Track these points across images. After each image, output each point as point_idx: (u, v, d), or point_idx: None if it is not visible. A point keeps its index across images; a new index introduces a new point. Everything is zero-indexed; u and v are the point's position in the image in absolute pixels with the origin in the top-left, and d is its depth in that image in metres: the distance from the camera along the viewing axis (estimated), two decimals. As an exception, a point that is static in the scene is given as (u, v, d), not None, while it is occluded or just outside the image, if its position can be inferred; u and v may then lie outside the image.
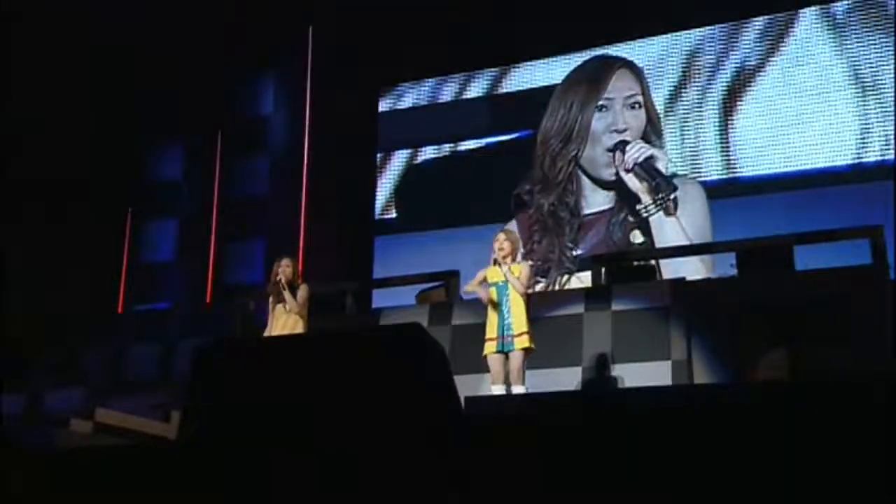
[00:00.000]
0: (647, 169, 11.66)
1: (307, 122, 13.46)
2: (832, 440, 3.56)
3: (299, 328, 7.99)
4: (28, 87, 12.61)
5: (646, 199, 11.60)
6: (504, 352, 7.15)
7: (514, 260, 7.33)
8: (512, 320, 7.15)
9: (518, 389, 7.03)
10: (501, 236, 7.36)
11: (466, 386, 7.81)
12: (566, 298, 8.92)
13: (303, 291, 8.11)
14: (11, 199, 12.27)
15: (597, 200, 12.06)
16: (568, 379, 8.33)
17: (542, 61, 13.07)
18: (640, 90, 12.07)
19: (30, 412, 10.60)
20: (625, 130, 11.91)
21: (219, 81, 13.85)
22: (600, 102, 12.20)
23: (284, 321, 7.99)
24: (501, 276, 7.23)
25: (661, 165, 11.74)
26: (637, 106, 12.04)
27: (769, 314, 8.05)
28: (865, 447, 3.46)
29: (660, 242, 11.31)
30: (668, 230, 11.42)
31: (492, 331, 7.22)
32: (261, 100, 13.95)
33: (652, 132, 11.95)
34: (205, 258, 13.62)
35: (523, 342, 7.12)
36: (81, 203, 13.15)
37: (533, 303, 8.83)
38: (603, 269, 9.19)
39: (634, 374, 8.18)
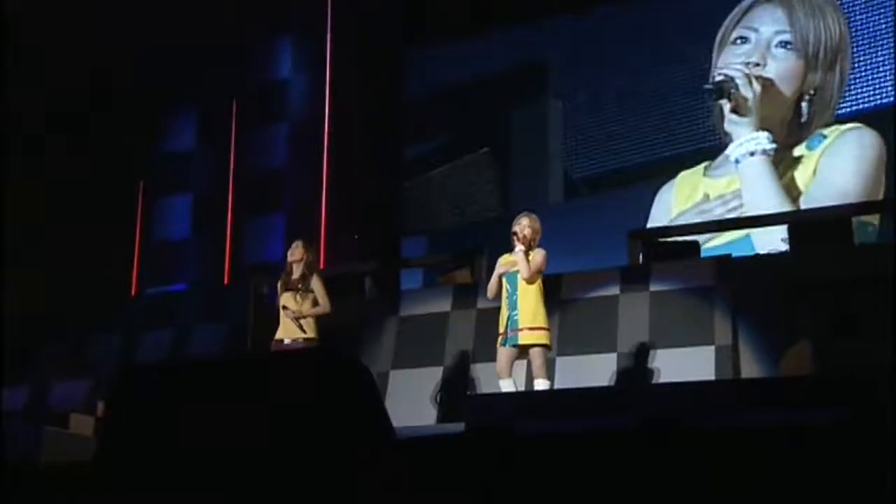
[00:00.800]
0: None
1: (328, 86, 13.50)
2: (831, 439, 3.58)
3: (306, 322, 8.05)
4: (30, 55, 12.77)
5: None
6: (508, 346, 7.15)
7: (532, 247, 7.33)
8: (518, 314, 7.16)
9: (541, 385, 7.06)
10: (524, 221, 7.37)
11: (491, 375, 7.86)
12: (600, 279, 8.94)
13: (318, 286, 8.17)
14: (14, 174, 12.46)
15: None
16: (602, 366, 8.38)
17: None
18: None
19: (33, 406, 10.82)
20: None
21: (233, 43, 13.92)
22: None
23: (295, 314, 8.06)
24: (513, 264, 7.24)
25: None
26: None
27: (824, 294, 7.99)
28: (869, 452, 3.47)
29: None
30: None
31: (501, 324, 7.28)
32: (278, 63, 14.02)
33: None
34: (221, 235, 13.74)
35: (536, 338, 7.13)
36: (90, 179, 13.31)
37: (564, 284, 8.92)
38: (640, 247, 9.15)
39: (675, 361, 8.20)
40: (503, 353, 7.17)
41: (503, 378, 7.15)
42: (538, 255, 7.29)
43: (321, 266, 12.59)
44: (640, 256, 9.09)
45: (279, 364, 3.21)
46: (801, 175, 10.93)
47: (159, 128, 14.50)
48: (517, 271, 7.22)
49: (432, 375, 9.02)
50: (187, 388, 3.12)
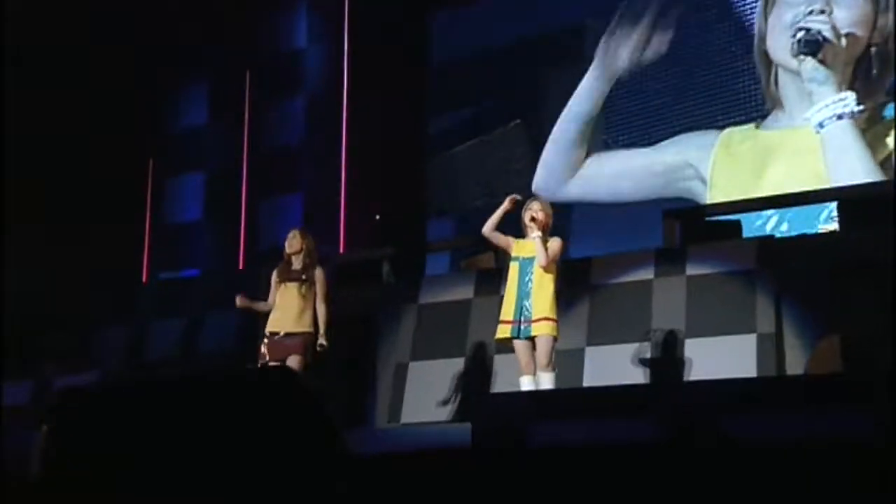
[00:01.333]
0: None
1: (346, 56, 13.47)
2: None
3: (303, 314, 8.06)
4: (31, 20, 12.83)
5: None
6: (521, 338, 7.16)
7: (547, 232, 7.30)
8: (532, 303, 7.15)
9: (546, 378, 7.06)
10: (535, 205, 7.35)
11: (516, 367, 7.82)
12: (632, 262, 8.90)
13: (320, 280, 8.18)
14: (13, 152, 12.51)
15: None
16: (633, 356, 8.37)
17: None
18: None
19: (36, 402, 10.91)
20: None
21: (245, 12, 13.91)
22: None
23: (297, 307, 8.08)
24: (528, 250, 7.21)
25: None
26: None
27: (876, 277, 7.88)
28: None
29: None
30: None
31: (507, 312, 7.24)
32: (293, 31, 13.99)
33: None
34: (236, 217, 13.79)
35: (547, 328, 7.12)
36: (95, 156, 13.36)
37: (594, 268, 8.88)
38: (676, 226, 9.07)
39: (713, 351, 8.16)
40: (522, 348, 7.17)
41: (526, 375, 7.15)
42: (555, 243, 7.27)
43: (341, 250, 12.67)
44: (677, 237, 9.01)
45: (218, 385, 3.24)
46: (884, 144, 10.57)
47: (168, 103, 14.55)
48: (533, 257, 7.19)
49: (453, 367, 9.04)
50: (125, 409, 3.16)
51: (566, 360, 8.49)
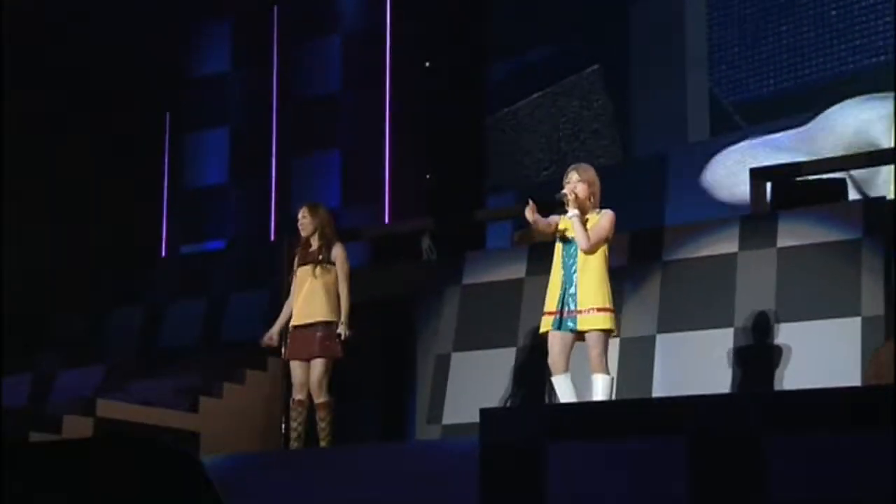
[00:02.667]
0: None
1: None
2: None
3: (324, 300, 8.17)
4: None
5: None
6: (563, 330, 7.08)
7: (593, 207, 7.21)
8: (577, 291, 7.06)
9: (600, 382, 6.98)
10: (574, 175, 7.30)
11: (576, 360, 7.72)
12: (712, 231, 8.76)
13: (340, 259, 8.28)
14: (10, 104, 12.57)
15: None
16: (714, 345, 8.29)
17: None
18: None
19: (37, 399, 11.01)
20: None
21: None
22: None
23: (309, 293, 8.20)
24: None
25: None
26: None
27: None
28: None
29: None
30: None
31: (550, 301, 7.19)
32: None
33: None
34: (265, 179, 13.80)
35: (598, 321, 7.03)
36: (101, 111, 13.42)
37: (667, 239, 8.76)
38: (766, 188, 8.89)
39: (809, 338, 8.05)
40: (557, 339, 7.14)
41: (559, 373, 7.13)
42: (603, 219, 7.20)
43: (386, 219, 12.62)
44: (767, 201, 8.83)
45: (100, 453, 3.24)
46: None
47: (185, 46, 14.56)
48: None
49: (503, 359, 8.97)
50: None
51: (633, 349, 8.45)
